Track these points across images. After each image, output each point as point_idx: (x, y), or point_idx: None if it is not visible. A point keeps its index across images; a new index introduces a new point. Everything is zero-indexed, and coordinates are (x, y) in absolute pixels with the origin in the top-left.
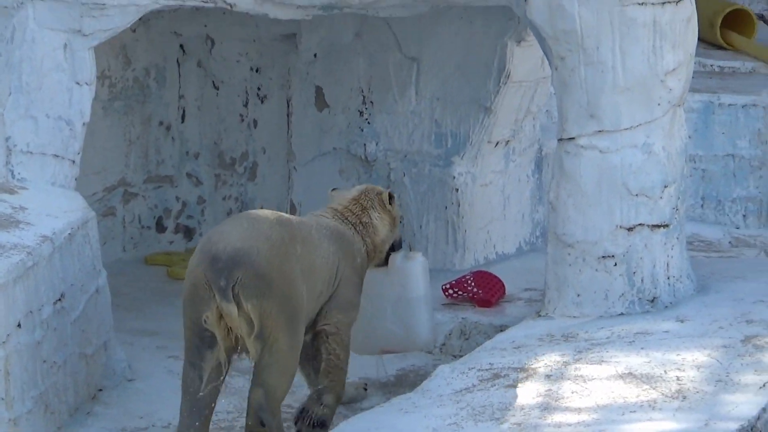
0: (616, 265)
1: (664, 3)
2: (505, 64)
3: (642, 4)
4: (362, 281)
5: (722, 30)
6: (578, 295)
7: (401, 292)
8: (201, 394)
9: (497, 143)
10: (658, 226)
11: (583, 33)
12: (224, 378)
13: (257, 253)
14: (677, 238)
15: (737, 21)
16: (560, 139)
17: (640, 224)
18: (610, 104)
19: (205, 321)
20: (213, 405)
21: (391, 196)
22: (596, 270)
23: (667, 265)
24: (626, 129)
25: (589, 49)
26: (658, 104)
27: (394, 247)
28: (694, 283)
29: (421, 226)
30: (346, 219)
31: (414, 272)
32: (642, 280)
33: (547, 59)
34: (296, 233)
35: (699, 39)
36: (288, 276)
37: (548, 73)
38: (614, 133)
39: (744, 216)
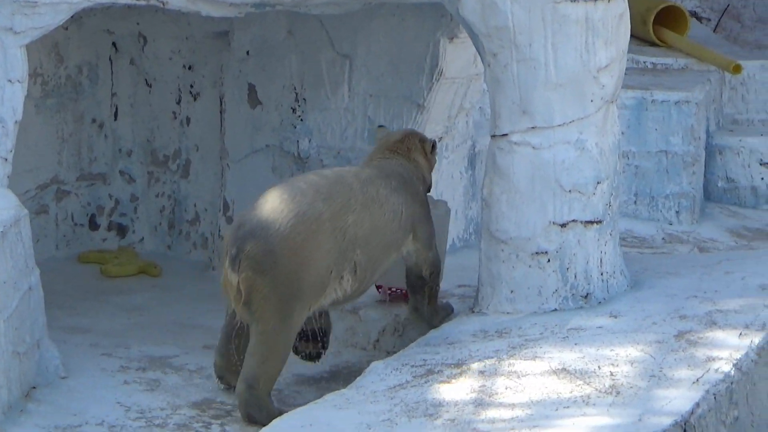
0: (549, 261)
1: (596, 0)
2: (438, 61)
3: (574, 1)
4: (429, 211)
5: (655, 27)
6: (512, 292)
7: None
8: (229, 329)
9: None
10: (591, 223)
11: (516, 30)
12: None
13: (276, 229)
14: (610, 234)
15: (670, 18)
16: (493, 136)
17: (573, 221)
18: (543, 101)
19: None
20: (239, 343)
21: (434, 146)
22: (529, 266)
23: (601, 261)
24: (559, 125)
25: (522, 46)
26: (591, 101)
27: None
28: (627, 279)
29: None
30: (401, 156)
31: (438, 219)
32: (575, 276)
33: (480, 56)
34: (353, 201)
35: (631, 36)
36: (303, 256)
37: (481, 69)
38: (547, 129)
39: (677, 212)
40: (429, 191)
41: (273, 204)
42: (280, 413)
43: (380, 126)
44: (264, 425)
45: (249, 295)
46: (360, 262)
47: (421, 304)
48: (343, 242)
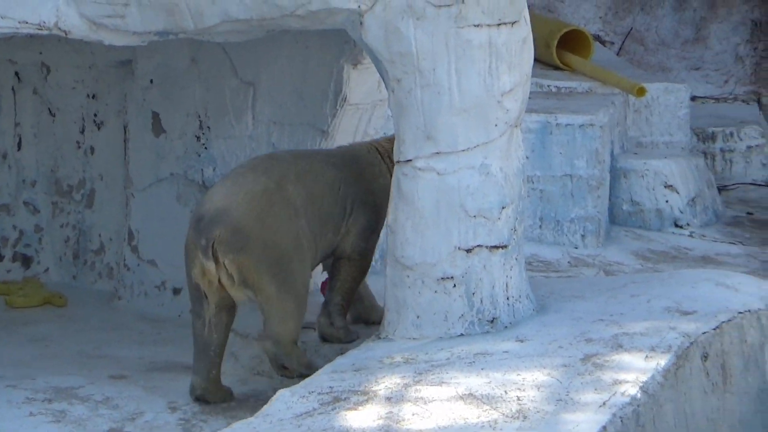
0: (455, 286)
1: (499, 24)
2: (342, 87)
3: (477, 25)
4: (383, 206)
5: (558, 50)
6: (418, 317)
7: None
8: (206, 339)
9: None
10: (497, 247)
11: (419, 55)
12: (229, 324)
13: (234, 209)
14: (516, 259)
15: (573, 41)
16: (397, 162)
17: (478, 245)
18: (447, 126)
19: (194, 277)
20: (220, 350)
21: None
22: (435, 292)
23: (506, 285)
24: (463, 150)
25: (426, 71)
26: (495, 125)
27: None
28: (533, 303)
29: None
30: (377, 148)
31: None
32: (481, 301)
33: (384, 82)
34: (288, 173)
35: (535, 60)
36: (269, 224)
37: (385, 95)
38: (451, 154)
39: (582, 236)
40: None
41: (222, 192)
42: (311, 363)
43: None
44: (300, 374)
45: (241, 275)
46: (309, 229)
47: (335, 309)
48: (293, 209)
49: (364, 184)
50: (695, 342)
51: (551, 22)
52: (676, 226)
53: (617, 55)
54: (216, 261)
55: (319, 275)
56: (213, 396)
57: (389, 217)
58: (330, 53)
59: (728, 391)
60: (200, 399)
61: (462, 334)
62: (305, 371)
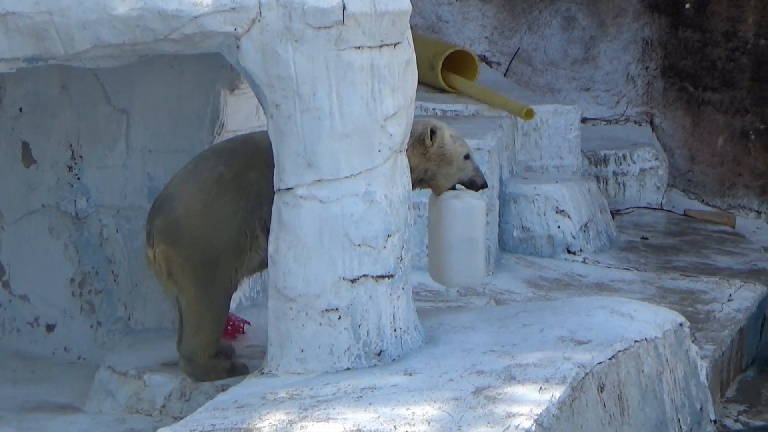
0: (340, 318)
1: (381, 46)
2: (219, 113)
3: (359, 48)
4: None
5: (443, 72)
6: (302, 351)
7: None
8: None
9: None
10: (383, 277)
11: (299, 79)
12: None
13: (179, 198)
14: (403, 289)
15: (459, 63)
16: (278, 190)
17: (363, 275)
18: (329, 152)
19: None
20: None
21: (432, 132)
22: (320, 324)
23: (393, 316)
24: (346, 177)
25: (305, 96)
26: (379, 151)
27: (470, 185)
28: (422, 334)
29: (136, 284)
30: None
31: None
32: (368, 333)
33: (262, 107)
34: (257, 157)
35: (419, 82)
36: (209, 220)
37: (264, 121)
38: (334, 182)
39: None
40: (472, 184)
41: (179, 177)
42: (233, 367)
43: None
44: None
45: (168, 267)
46: (268, 219)
47: None
48: (249, 200)
49: None
50: (591, 372)
51: (435, 43)
52: (569, 252)
53: (504, 76)
54: (153, 249)
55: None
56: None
57: (270, 248)
58: (206, 78)
59: (626, 423)
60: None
61: (348, 368)
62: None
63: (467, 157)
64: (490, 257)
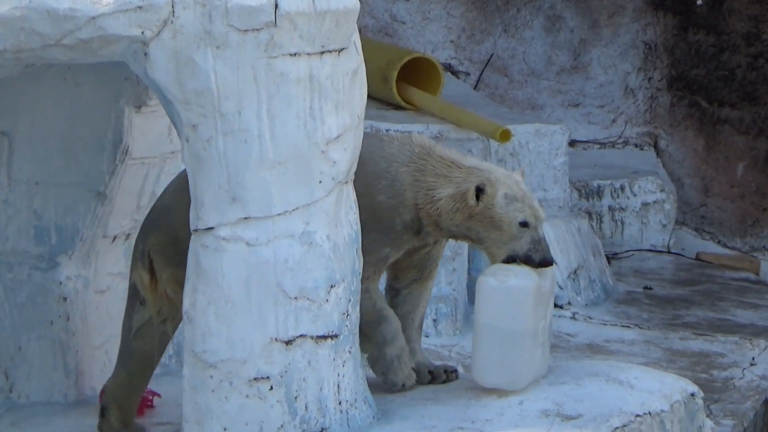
0: (272, 388)
1: (322, 53)
2: (122, 136)
3: (294, 54)
4: (383, 230)
5: (399, 85)
6: (225, 429)
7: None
8: (131, 343)
9: (115, 238)
10: (325, 338)
11: (221, 94)
12: (163, 342)
13: (176, 210)
14: (349, 352)
15: (418, 73)
16: (195, 230)
17: (301, 336)
18: (258, 184)
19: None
20: (149, 361)
21: (479, 190)
22: (247, 396)
23: (338, 386)
24: (279, 215)
25: (229, 115)
26: (320, 182)
27: (525, 260)
28: (373, 408)
29: (20, 347)
30: (417, 162)
31: (487, 297)
32: (306, 408)
33: (176, 128)
34: None
35: (370, 97)
36: None
37: (178, 146)
38: (264, 220)
39: (434, 320)
40: (529, 261)
41: (173, 184)
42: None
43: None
44: None
45: (179, 291)
46: None
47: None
48: None
49: (366, 195)
50: None
51: (389, 49)
52: (555, 306)
53: (474, 89)
54: (151, 273)
55: None
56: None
57: (186, 302)
58: (106, 93)
59: None
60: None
61: None
62: None
63: (525, 224)
64: (457, 312)
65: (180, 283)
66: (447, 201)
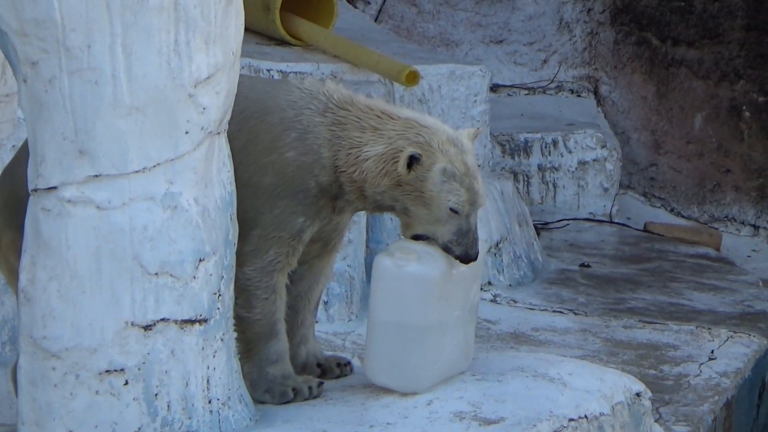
0: (127, 383)
1: None
2: None
3: None
4: (294, 195)
5: (284, 15)
6: None
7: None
8: None
9: None
10: (192, 322)
11: (66, 24)
12: None
13: (24, 163)
14: (222, 340)
15: (307, 2)
16: (34, 191)
17: (162, 320)
18: (111, 134)
19: None
20: None
21: (413, 159)
22: (97, 392)
23: (207, 382)
24: (136, 172)
25: (76, 50)
26: (186, 132)
27: (444, 248)
28: (250, 408)
29: None
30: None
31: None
32: (168, 407)
33: (11, 66)
34: None
35: (248, 29)
36: None
37: (13, 88)
38: (118, 178)
39: (325, 302)
40: (459, 254)
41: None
42: None
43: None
44: None
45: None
46: None
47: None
48: None
49: (255, 153)
50: None
51: None
52: None
53: (376, 21)
54: None
55: None
56: None
57: (23, 277)
58: None
59: None
60: None
61: None
62: None
63: (455, 211)
64: (353, 294)
65: (16, 249)
66: (375, 161)
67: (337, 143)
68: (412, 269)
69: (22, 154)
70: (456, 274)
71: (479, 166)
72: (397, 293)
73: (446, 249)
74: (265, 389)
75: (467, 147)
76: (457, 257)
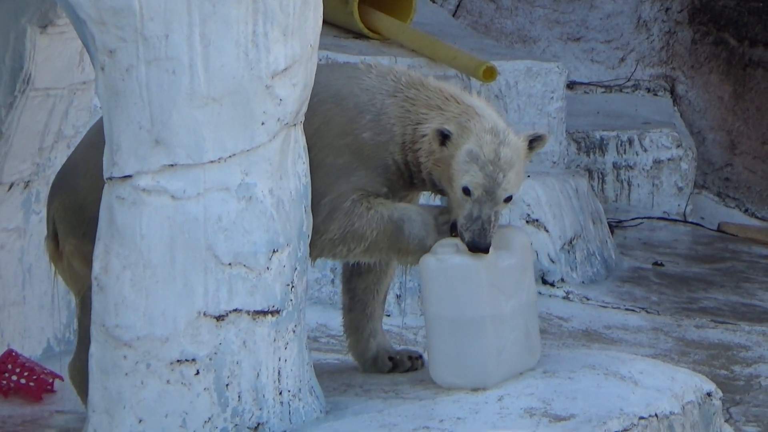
0: (198, 373)
1: None
2: (23, 61)
3: None
4: (374, 170)
5: (362, 8)
6: (140, 421)
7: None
8: (82, 320)
9: (12, 185)
10: (264, 313)
11: (144, 13)
12: None
13: (86, 172)
14: (294, 332)
15: None
16: (109, 179)
17: (235, 311)
18: (187, 124)
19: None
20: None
21: (443, 135)
22: (168, 382)
23: (279, 373)
24: (212, 162)
25: (154, 39)
26: (262, 123)
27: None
28: (320, 401)
29: None
30: (405, 92)
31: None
32: (239, 397)
33: (89, 54)
34: None
35: (326, 22)
36: None
37: (91, 76)
38: (194, 168)
39: (398, 296)
40: (468, 240)
41: (86, 139)
42: None
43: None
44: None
45: (85, 266)
46: None
47: None
48: None
49: (329, 136)
50: None
51: None
52: (545, 283)
53: (453, 16)
54: (56, 242)
55: None
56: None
57: (96, 265)
58: (4, 9)
59: None
60: None
61: None
62: None
63: (467, 192)
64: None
65: (86, 258)
66: (428, 139)
67: (407, 118)
68: (455, 261)
69: (79, 160)
70: (502, 264)
71: (553, 163)
72: (447, 287)
73: (459, 234)
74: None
75: (510, 141)
76: (465, 243)
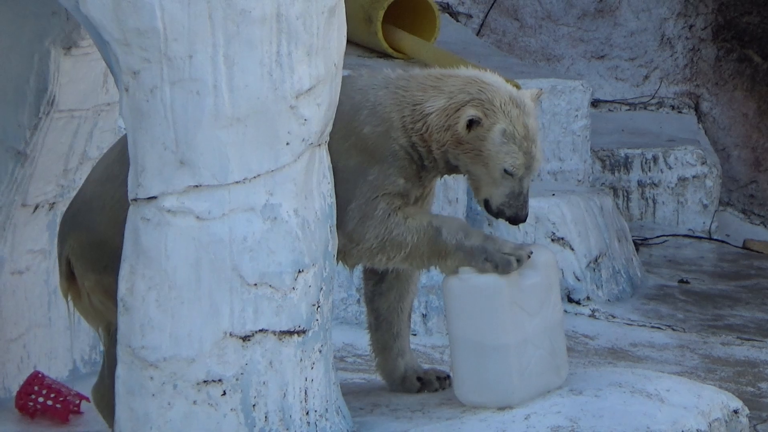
0: (225, 394)
1: None
2: (47, 83)
3: None
4: (386, 161)
5: (387, 28)
6: None
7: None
8: (110, 349)
9: (37, 207)
10: (290, 333)
11: (168, 34)
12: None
13: (101, 208)
14: (320, 352)
15: (410, 14)
16: (134, 200)
17: (261, 331)
18: (212, 145)
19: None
20: None
21: (473, 123)
22: (194, 402)
23: (305, 393)
24: (237, 183)
25: (178, 60)
26: (287, 144)
27: (496, 213)
28: (347, 420)
29: None
30: (396, 82)
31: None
32: (266, 418)
33: (114, 76)
34: None
35: (350, 41)
36: None
37: (115, 97)
38: (218, 189)
39: (424, 315)
40: (507, 215)
41: (98, 170)
42: None
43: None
44: None
45: (108, 300)
46: None
47: None
48: None
49: (334, 141)
50: None
51: None
52: (570, 301)
53: (477, 35)
54: (71, 281)
55: None
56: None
57: (122, 286)
58: (28, 31)
59: None
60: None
61: None
62: None
63: (509, 173)
64: None
65: (108, 292)
66: (438, 116)
67: (403, 102)
68: (477, 281)
69: (91, 196)
70: (526, 283)
71: (578, 181)
72: (470, 307)
73: (498, 212)
74: (485, 258)
75: (529, 108)
76: (507, 219)
